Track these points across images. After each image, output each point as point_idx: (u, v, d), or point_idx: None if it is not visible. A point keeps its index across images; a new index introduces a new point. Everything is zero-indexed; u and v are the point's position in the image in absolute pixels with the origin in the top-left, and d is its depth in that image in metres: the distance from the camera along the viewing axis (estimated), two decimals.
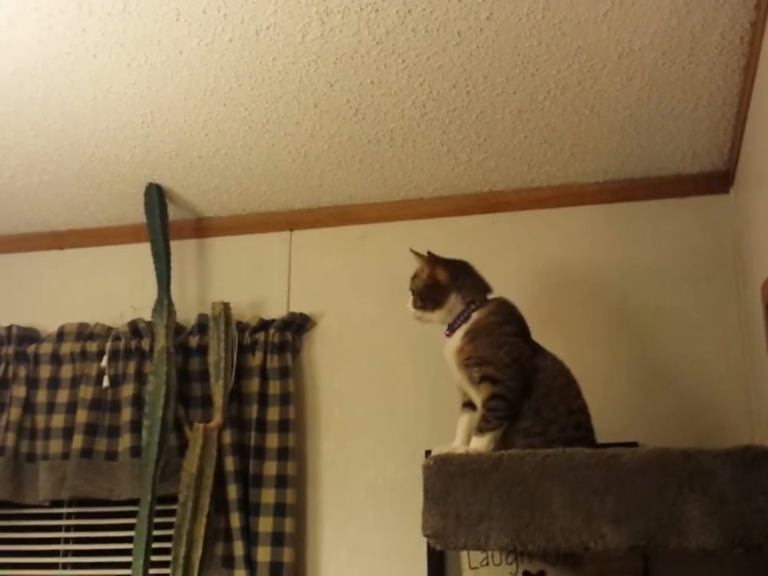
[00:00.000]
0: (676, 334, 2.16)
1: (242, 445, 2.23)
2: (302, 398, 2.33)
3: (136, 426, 2.26)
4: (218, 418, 2.23)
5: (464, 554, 2.07)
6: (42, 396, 2.37)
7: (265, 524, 2.15)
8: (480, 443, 1.66)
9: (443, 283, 1.83)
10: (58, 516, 2.35)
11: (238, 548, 2.13)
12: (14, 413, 2.35)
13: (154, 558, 2.12)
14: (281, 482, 2.19)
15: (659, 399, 2.12)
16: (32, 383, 2.39)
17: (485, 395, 1.69)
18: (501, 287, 2.30)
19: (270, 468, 2.20)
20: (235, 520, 2.15)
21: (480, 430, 1.67)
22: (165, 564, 2.14)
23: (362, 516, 2.22)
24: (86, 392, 2.33)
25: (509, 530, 1.53)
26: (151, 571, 2.10)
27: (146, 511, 2.10)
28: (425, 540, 1.92)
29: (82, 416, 2.30)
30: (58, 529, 2.35)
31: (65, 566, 2.33)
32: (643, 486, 1.49)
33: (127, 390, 2.31)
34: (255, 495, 2.18)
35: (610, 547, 1.51)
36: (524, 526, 1.53)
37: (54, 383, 2.38)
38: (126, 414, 2.28)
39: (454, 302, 1.81)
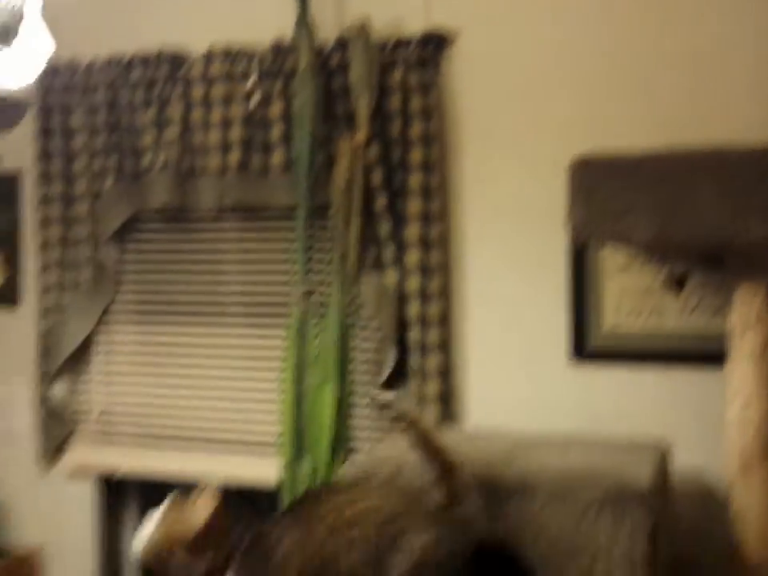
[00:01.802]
0: None
1: (387, 158, 2.31)
2: (443, 112, 2.35)
3: (287, 141, 2.37)
4: (362, 134, 2.30)
5: (605, 256, 2.13)
6: (196, 115, 2.49)
7: (412, 232, 2.28)
8: None
9: None
10: (223, 220, 2.54)
11: (389, 252, 2.29)
12: (172, 132, 2.49)
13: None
14: (425, 192, 2.28)
15: None
16: (186, 104, 2.50)
17: None
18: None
19: (415, 181, 2.28)
20: (384, 228, 2.29)
21: None
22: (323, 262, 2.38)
23: (505, 223, 2.29)
24: (236, 110, 2.44)
25: (654, 222, 1.57)
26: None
27: (303, 214, 2.27)
28: (565, 249, 1.99)
29: (235, 133, 2.43)
30: (223, 233, 2.56)
31: (231, 272, 2.57)
32: None
33: (275, 109, 2.40)
34: (402, 205, 2.29)
35: (755, 239, 1.53)
36: (669, 219, 1.57)
37: (207, 103, 2.48)
38: (277, 130, 2.39)
39: None
